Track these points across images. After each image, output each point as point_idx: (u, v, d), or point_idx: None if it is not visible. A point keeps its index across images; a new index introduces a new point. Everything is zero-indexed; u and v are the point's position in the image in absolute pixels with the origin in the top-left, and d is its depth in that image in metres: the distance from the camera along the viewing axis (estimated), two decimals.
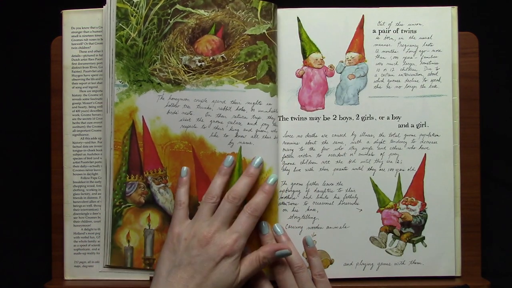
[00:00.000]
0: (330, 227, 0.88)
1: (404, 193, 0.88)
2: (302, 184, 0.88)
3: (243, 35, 0.85)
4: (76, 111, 0.89)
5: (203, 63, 0.85)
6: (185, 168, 0.85)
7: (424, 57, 0.88)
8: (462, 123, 0.89)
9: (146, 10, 0.86)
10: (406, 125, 0.88)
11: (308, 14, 0.88)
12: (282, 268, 0.82)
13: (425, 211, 0.88)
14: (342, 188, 0.88)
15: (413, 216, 0.88)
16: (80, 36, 0.89)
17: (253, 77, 0.85)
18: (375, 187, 0.88)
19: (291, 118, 0.88)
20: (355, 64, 0.88)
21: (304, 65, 0.88)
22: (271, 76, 0.85)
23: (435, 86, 0.88)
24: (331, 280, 0.84)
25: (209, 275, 0.76)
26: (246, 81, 0.85)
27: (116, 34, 0.86)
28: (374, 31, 0.88)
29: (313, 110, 0.88)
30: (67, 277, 0.88)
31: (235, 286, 0.78)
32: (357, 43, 0.88)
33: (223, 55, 0.85)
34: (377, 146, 0.88)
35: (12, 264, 0.97)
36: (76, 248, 0.88)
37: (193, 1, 0.85)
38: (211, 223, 0.79)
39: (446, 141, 0.88)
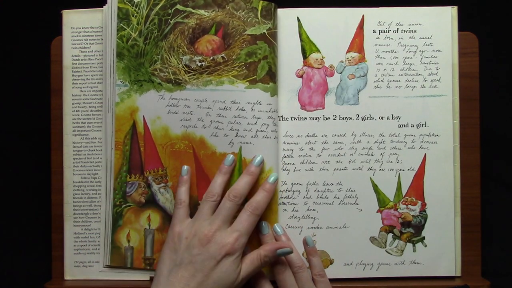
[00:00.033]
0: (330, 227, 0.88)
1: (404, 193, 0.88)
2: (302, 184, 0.88)
3: (243, 35, 0.85)
4: (76, 111, 0.89)
5: (203, 63, 0.85)
6: (185, 167, 0.85)
7: (424, 57, 0.88)
8: (462, 123, 0.89)
9: (147, 10, 0.86)
10: (406, 125, 0.88)
11: (308, 14, 0.88)
12: (282, 268, 0.82)
13: (425, 211, 0.88)
14: (342, 188, 0.88)
15: (413, 216, 0.88)
16: (80, 36, 0.89)
17: (253, 77, 0.85)
18: (375, 187, 0.88)
19: (291, 118, 0.88)
20: (355, 64, 0.88)
21: (304, 65, 0.88)
22: (271, 76, 0.85)
23: (435, 86, 0.88)
24: (331, 280, 0.84)
25: (210, 273, 0.76)
26: (246, 81, 0.85)
27: (117, 34, 0.86)
28: (374, 31, 0.89)
29: (313, 110, 0.88)
30: (67, 277, 0.88)
31: (236, 285, 0.78)
32: (357, 43, 0.88)
33: (223, 55, 0.85)
34: (377, 146, 0.88)
35: (12, 264, 0.97)
36: (76, 248, 0.88)
37: (193, 1, 0.86)
38: (212, 222, 0.79)
39: (446, 141, 0.88)
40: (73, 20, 0.89)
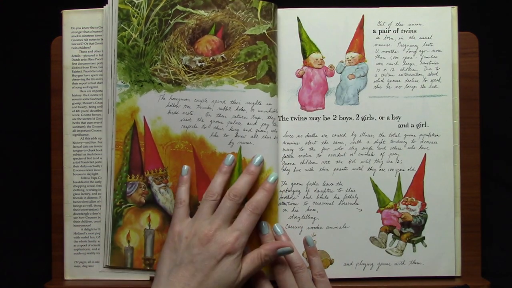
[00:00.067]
0: (330, 227, 0.88)
1: (404, 193, 0.88)
2: (302, 184, 0.88)
3: (243, 35, 0.85)
4: (76, 111, 0.89)
5: (203, 63, 0.85)
6: (185, 166, 0.85)
7: (424, 57, 0.88)
8: (462, 123, 0.89)
9: (147, 11, 0.86)
10: (406, 125, 0.88)
11: (308, 14, 0.88)
12: (282, 268, 0.82)
13: (425, 211, 0.88)
14: (342, 188, 0.88)
15: (413, 216, 0.88)
16: (80, 36, 0.89)
17: (253, 77, 0.85)
18: (375, 187, 0.88)
19: (291, 118, 0.88)
20: (355, 64, 0.88)
21: (304, 65, 0.88)
22: (271, 76, 0.85)
23: (435, 86, 0.88)
24: (331, 280, 0.84)
25: (210, 273, 0.76)
26: (246, 81, 0.85)
27: (117, 35, 0.86)
28: (374, 31, 0.88)
29: (313, 110, 0.88)
30: (67, 277, 0.88)
31: (237, 284, 0.78)
32: (357, 43, 0.88)
33: (223, 55, 0.85)
34: (377, 146, 0.88)
35: (12, 264, 0.97)
36: (76, 248, 0.88)
37: (193, 2, 0.86)
38: (212, 221, 0.79)
39: (446, 141, 0.88)
40: (73, 20, 0.89)
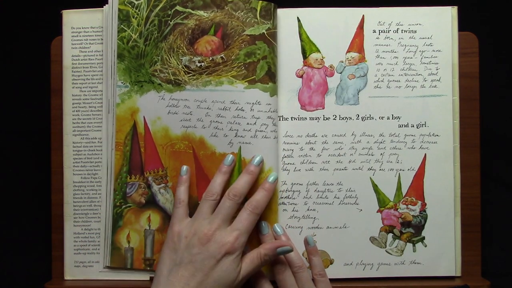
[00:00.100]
0: (330, 227, 0.88)
1: (404, 193, 0.88)
2: (302, 184, 0.88)
3: (242, 35, 0.85)
4: (76, 111, 0.89)
5: (202, 64, 0.85)
6: (184, 167, 0.85)
7: (424, 57, 0.88)
8: (462, 123, 0.89)
9: (147, 11, 0.86)
10: (406, 125, 0.88)
11: (308, 14, 0.88)
12: (282, 268, 0.82)
13: (425, 211, 0.88)
14: (342, 188, 0.88)
15: (413, 216, 0.88)
16: (80, 36, 0.89)
17: (252, 77, 0.85)
18: (375, 187, 0.88)
19: (291, 118, 0.88)
20: (355, 64, 0.88)
21: (304, 65, 0.88)
22: (271, 76, 0.85)
23: (435, 86, 0.88)
24: (331, 280, 0.84)
25: (210, 273, 0.76)
26: (245, 81, 0.85)
27: (117, 36, 0.86)
28: (374, 31, 0.88)
29: (313, 110, 0.88)
30: (67, 277, 0.88)
31: (236, 284, 0.78)
32: (357, 43, 0.88)
33: (222, 55, 0.85)
34: (377, 146, 0.88)
35: (12, 264, 0.97)
36: (76, 248, 0.88)
37: (192, 2, 0.86)
38: (212, 221, 0.79)
39: (446, 141, 0.88)
40: (73, 20, 0.89)
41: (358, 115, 0.88)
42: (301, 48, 0.88)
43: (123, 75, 0.86)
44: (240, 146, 0.85)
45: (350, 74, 0.88)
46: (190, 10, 0.86)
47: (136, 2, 0.86)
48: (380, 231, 0.88)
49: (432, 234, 0.88)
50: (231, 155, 0.84)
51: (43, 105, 0.92)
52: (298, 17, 0.88)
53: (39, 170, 0.98)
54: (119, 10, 0.86)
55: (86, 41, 0.89)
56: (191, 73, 0.85)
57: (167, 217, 0.86)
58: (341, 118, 0.88)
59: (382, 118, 0.88)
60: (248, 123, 0.84)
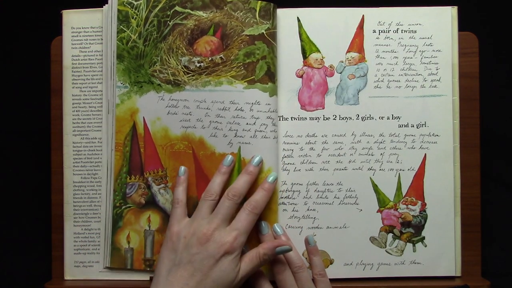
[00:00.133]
0: (330, 227, 0.88)
1: (404, 193, 0.88)
2: (302, 184, 0.88)
3: (241, 35, 0.85)
4: (76, 111, 0.89)
5: (202, 64, 0.85)
6: (182, 167, 0.85)
7: (424, 57, 0.88)
8: (462, 123, 0.88)
9: (146, 12, 0.86)
10: (406, 125, 0.88)
11: (308, 14, 0.88)
12: (282, 268, 0.82)
13: (425, 211, 0.88)
14: (342, 188, 0.88)
15: (413, 216, 0.88)
16: (80, 36, 0.89)
17: (252, 77, 0.85)
18: (375, 187, 0.88)
19: (291, 118, 0.88)
20: (355, 64, 0.88)
21: (304, 65, 0.88)
22: (270, 76, 0.85)
23: (435, 86, 0.88)
24: (331, 280, 0.84)
25: (209, 272, 0.76)
26: (245, 81, 0.85)
27: (117, 36, 0.86)
28: (374, 31, 0.88)
29: (313, 110, 0.88)
30: (67, 277, 0.88)
31: (236, 284, 0.77)
32: (357, 43, 0.88)
33: (221, 55, 0.85)
34: (377, 146, 0.88)
35: (12, 264, 0.97)
36: (76, 248, 0.88)
37: (191, 3, 0.86)
38: (211, 221, 0.79)
39: (446, 141, 0.88)
40: (73, 20, 0.89)
41: (358, 115, 0.88)
42: (301, 48, 0.88)
43: (122, 76, 0.86)
44: (240, 146, 0.85)
45: (350, 74, 0.88)
46: (189, 11, 0.86)
47: (135, 3, 0.86)
48: (380, 231, 0.88)
49: (432, 234, 0.88)
50: (230, 156, 0.84)
51: (43, 105, 0.92)
52: (298, 17, 0.88)
53: (39, 170, 0.98)
54: (118, 10, 0.86)
55: (86, 41, 0.89)
56: (190, 73, 0.85)
57: (167, 218, 0.86)
58: (341, 118, 0.88)
59: (382, 118, 0.88)
60: (247, 123, 0.84)
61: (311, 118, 0.88)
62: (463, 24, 0.89)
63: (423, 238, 0.88)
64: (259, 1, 0.85)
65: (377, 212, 0.88)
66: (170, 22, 0.86)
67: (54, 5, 0.91)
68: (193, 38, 0.86)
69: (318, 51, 0.88)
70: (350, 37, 0.88)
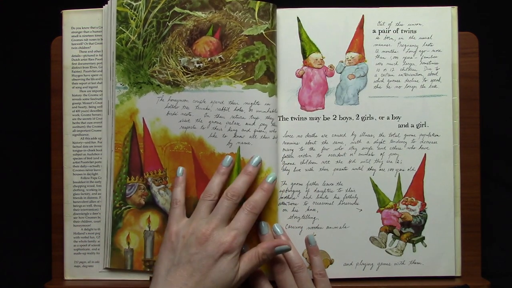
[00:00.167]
0: (330, 227, 0.88)
1: (404, 193, 0.88)
2: (302, 184, 0.88)
3: (240, 35, 0.85)
4: (76, 111, 0.89)
5: (201, 64, 0.85)
6: (181, 168, 0.85)
7: (424, 57, 0.88)
8: (462, 123, 0.88)
9: (145, 13, 0.86)
10: (406, 125, 0.88)
11: (308, 14, 0.88)
12: (282, 268, 0.82)
13: (425, 211, 0.88)
14: (342, 188, 0.88)
15: (413, 216, 0.88)
16: (80, 36, 0.89)
17: (251, 78, 0.85)
18: (375, 187, 0.88)
19: (291, 118, 0.88)
20: (355, 64, 0.88)
21: (304, 65, 0.88)
22: (270, 76, 0.85)
23: (435, 86, 0.88)
24: (331, 280, 0.84)
25: (208, 272, 0.76)
26: (244, 82, 0.85)
27: (116, 37, 0.86)
28: (374, 31, 0.88)
29: (313, 110, 0.88)
30: (67, 277, 0.88)
31: (235, 284, 0.77)
32: (357, 43, 0.88)
33: (220, 56, 0.85)
34: (377, 146, 0.88)
35: (12, 264, 0.97)
36: (76, 248, 0.88)
37: (190, 3, 0.86)
38: (210, 221, 0.79)
39: (446, 141, 0.88)
40: (73, 20, 0.89)
41: (358, 115, 0.88)
42: (301, 48, 0.88)
43: (122, 77, 0.86)
44: (239, 146, 0.85)
45: (350, 74, 0.88)
46: (188, 11, 0.86)
47: (134, 4, 0.86)
48: (380, 231, 0.88)
49: (432, 234, 0.88)
50: (229, 156, 0.84)
51: (43, 105, 0.92)
52: (298, 17, 0.88)
53: (39, 170, 0.98)
54: (118, 12, 0.86)
55: (86, 41, 0.89)
56: (189, 74, 0.85)
57: (166, 218, 0.86)
58: (341, 118, 0.88)
59: (382, 118, 0.88)
60: (247, 123, 0.84)
61: (311, 118, 0.88)
62: (463, 24, 0.89)
63: (423, 238, 0.88)
64: (258, 2, 0.85)
65: (377, 212, 0.88)
66: (169, 22, 0.86)
67: (54, 5, 0.91)
68: (192, 38, 0.86)
69: (318, 51, 0.88)
70: (350, 37, 0.88)
